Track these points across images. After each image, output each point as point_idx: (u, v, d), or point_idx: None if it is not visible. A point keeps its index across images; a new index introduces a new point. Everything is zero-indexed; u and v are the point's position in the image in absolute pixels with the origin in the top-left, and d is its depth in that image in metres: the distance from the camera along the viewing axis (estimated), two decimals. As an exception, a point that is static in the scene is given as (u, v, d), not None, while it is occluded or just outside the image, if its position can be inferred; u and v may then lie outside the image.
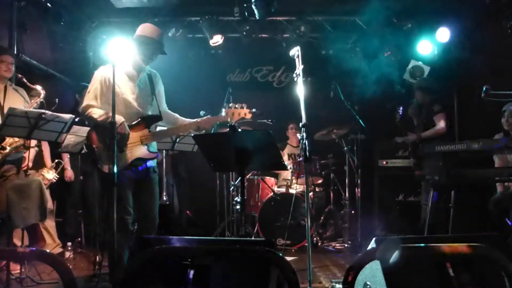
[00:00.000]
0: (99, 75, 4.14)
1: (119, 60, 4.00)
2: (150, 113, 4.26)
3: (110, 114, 3.87)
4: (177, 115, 4.47)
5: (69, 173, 6.27)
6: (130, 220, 4.04)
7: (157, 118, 4.26)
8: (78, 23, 7.29)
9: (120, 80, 4.12)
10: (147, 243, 2.41)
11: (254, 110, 4.13)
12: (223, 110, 4.13)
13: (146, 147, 4.13)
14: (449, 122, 6.28)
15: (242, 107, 4.08)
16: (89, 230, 6.29)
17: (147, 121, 4.18)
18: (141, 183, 4.15)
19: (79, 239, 6.24)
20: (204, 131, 4.26)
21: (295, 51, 4.10)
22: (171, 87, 4.78)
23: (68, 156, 6.14)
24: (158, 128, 4.44)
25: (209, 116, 4.29)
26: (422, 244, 2.45)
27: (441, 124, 6.00)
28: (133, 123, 4.11)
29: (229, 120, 4.10)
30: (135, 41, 4.14)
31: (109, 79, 4.07)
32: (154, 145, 4.30)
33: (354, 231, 6.82)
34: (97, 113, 4.05)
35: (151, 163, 4.23)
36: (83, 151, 5.51)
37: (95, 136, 4.08)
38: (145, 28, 4.20)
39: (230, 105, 4.09)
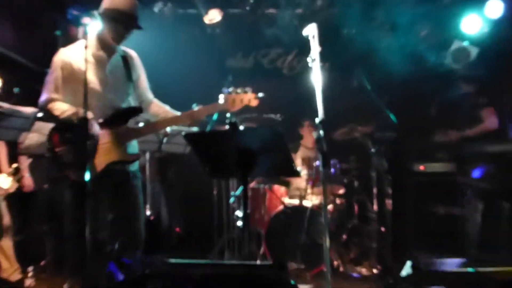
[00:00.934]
0: (58, 60, 4.14)
1: (83, 41, 3.96)
2: (127, 104, 4.28)
3: (76, 110, 3.95)
4: (167, 107, 4.48)
5: (28, 181, 6.20)
6: (106, 238, 4.07)
7: (137, 110, 4.27)
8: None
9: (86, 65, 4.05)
10: (127, 267, 2.40)
11: (260, 94, 4.10)
12: (222, 96, 4.10)
13: (123, 147, 4.13)
14: (501, 118, 6.24)
15: (245, 92, 4.06)
16: (57, 251, 6.29)
17: (124, 114, 4.17)
18: (119, 192, 4.17)
19: (44, 262, 6.24)
20: (197, 126, 4.27)
21: (310, 30, 4.09)
22: (158, 74, 4.78)
23: (31, 159, 6.12)
24: (140, 124, 4.43)
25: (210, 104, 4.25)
26: (470, 269, 2.44)
27: (490, 119, 5.96)
28: (106, 119, 4.10)
29: (229, 109, 4.08)
30: (102, 16, 4.07)
31: (71, 63, 4.09)
32: (134, 145, 4.30)
33: (384, 252, 6.79)
34: (59, 108, 4.06)
35: (131, 167, 4.25)
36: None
37: (58, 137, 4.06)
38: None
39: (230, 90, 4.06)
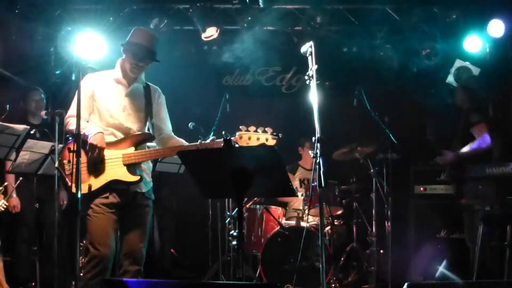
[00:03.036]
0: (83, 84, 4.43)
1: (98, 56, 4.30)
2: (140, 131, 4.53)
3: (90, 126, 4.29)
4: (184, 142, 4.61)
5: (14, 201, 6.15)
6: (109, 256, 4.25)
7: (148, 137, 4.53)
8: (36, 11, 7.35)
9: (106, 87, 4.48)
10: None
11: (280, 135, 4.06)
12: (238, 132, 4.11)
13: (126, 168, 4.33)
14: (497, 135, 6.18)
15: (264, 131, 4.04)
16: (47, 272, 6.28)
17: (135, 139, 4.43)
18: (125, 210, 4.40)
19: (33, 283, 6.23)
20: None
21: (307, 48, 4.15)
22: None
23: (20, 178, 6.14)
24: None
25: (214, 138, 4.44)
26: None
27: (483, 137, 5.82)
28: (116, 139, 4.40)
29: (242, 146, 4.08)
30: (124, 47, 4.52)
31: (95, 91, 4.45)
32: (142, 168, 4.49)
33: (383, 275, 6.78)
34: (75, 123, 4.25)
35: (141, 188, 4.46)
36: (40, 172, 5.54)
37: (68, 149, 4.24)
38: (134, 33, 4.57)
39: (248, 128, 4.04)
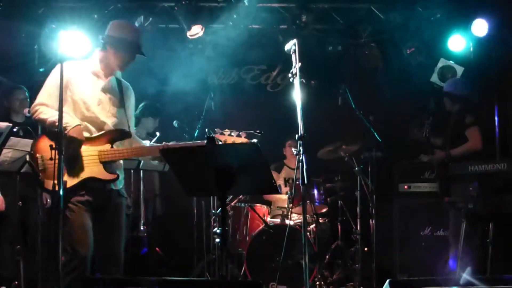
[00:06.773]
0: (59, 70, 4.21)
1: (83, 54, 4.15)
2: (116, 126, 4.41)
3: (67, 117, 4.08)
4: (142, 142, 4.62)
5: None
6: (88, 255, 4.14)
7: (125, 134, 4.41)
8: (20, 8, 7.30)
9: (83, 79, 4.32)
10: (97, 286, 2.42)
11: (254, 140, 4.10)
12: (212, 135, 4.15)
13: (102, 165, 4.23)
14: (486, 137, 6.26)
15: (239, 136, 4.06)
16: (31, 272, 6.25)
17: (112, 135, 4.32)
18: (101, 209, 4.28)
19: (16, 282, 6.19)
20: None
21: (291, 45, 4.16)
22: (137, 90, 4.81)
23: (4, 177, 6.09)
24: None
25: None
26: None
27: (475, 139, 5.93)
28: (93, 135, 4.26)
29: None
30: (108, 42, 4.35)
31: (70, 79, 4.24)
32: (115, 165, 4.39)
33: (368, 273, 6.80)
34: (47, 112, 4.18)
35: (116, 185, 4.37)
36: (23, 170, 5.50)
37: (43, 142, 4.15)
38: (121, 29, 4.43)
39: (224, 131, 4.07)
